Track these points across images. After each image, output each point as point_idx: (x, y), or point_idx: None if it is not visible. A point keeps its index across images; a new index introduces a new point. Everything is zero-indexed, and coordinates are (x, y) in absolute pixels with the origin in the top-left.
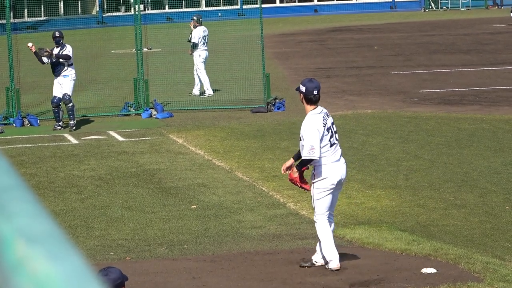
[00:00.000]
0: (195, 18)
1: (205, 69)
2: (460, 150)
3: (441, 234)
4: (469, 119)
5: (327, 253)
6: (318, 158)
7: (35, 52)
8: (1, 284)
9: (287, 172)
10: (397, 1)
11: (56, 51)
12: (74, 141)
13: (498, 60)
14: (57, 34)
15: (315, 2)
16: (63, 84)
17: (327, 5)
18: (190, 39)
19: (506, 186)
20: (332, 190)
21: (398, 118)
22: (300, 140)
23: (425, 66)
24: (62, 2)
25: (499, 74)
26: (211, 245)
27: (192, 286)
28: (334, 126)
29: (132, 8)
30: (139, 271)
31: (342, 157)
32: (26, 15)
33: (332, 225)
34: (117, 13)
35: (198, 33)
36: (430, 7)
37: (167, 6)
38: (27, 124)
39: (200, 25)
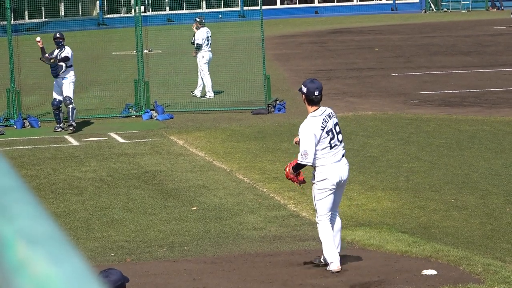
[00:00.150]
0: (197, 19)
1: (208, 71)
2: (461, 151)
3: (442, 236)
4: (470, 121)
5: (327, 254)
6: (311, 164)
7: (41, 48)
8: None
9: (286, 170)
10: (397, 3)
11: (56, 52)
12: (74, 142)
13: (498, 62)
14: (57, 35)
15: (316, 4)
16: (64, 87)
17: (327, 6)
18: (194, 41)
19: (506, 188)
20: (332, 191)
21: (399, 119)
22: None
23: (425, 68)
24: (62, 4)
25: (500, 75)
26: (211, 247)
27: None
28: (337, 127)
29: (133, 10)
30: (139, 273)
31: (344, 158)
32: (26, 16)
33: (338, 221)
34: (118, 15)
35: (201, 34)
36: (431, 8)
37: (167, 8)
38: (28, 125)
39: (203, 26)
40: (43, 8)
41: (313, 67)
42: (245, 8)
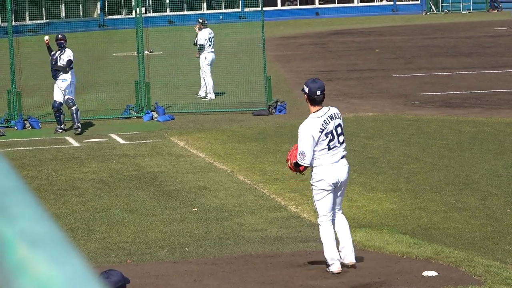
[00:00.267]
0: (200, 20)
1: (211, 72)
2: (462, 153)
3: (442, 237)
4: (471, 122)
5: (328, 256)
6: (308, 165)
7: (48, 46)
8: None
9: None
10: (398, 4)
11: (57, 54)
12: (75, 143)
13: (499, 63)
14: (60, 37)
15: (317, 5)
16: (64, 89)
17: (328, 8)
18: (196, 42)
19: (507, 189)
20: (329, 192)
21: (399, 121)
22: None
23: (426, 69)
24: (63, 5)
25: (501, 77)
26: (212, 248)
27: None
28: (339, 128)
29: (134, 11)
30: (140, 274)
31: (343, 159)
32: (27, 18)
33: (343, 221)
34: (119, 16)
35: (203, 35)
36: (432, 10)
37: (168, 9)
38: (29, 127)
39: (205, 27)
40: (44, 9)
41: (314, 68)
42: (246, 9)
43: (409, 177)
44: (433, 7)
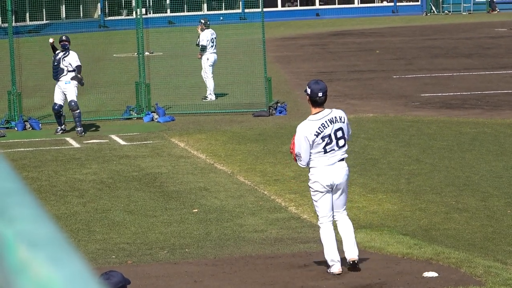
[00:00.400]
0: (202, 21)
1: (212, 73)
2: (462, 154)
3: (443, 238)
4: (471, 123)
5: (328, 257)
6: (304, 166)
7: (52, 46)
8: None
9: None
10: (399, 5)
11: (60, 55)
12: (75, 145)
13: (500, 64)
14: (63, 38)
15: (317, 6)
16: (67, 90)
17: (328, 9)
18: (198, 42)
19: (507, 190)
20: (324, 193)
21: (400, 122)
22: None
23: (426, 70)
24: (64, 6)
25: (501, 78)
26: (212, 249)
27: None
28: (340, 132)
29: (134, 12)
30: (140, 275)
31: (341, 162)
32: (28, 18)
33: (346, 223)
34: (119, 17)
35: (206, 36)
36: (432, 11)
37: (168, 10)
38: (29, 128)
39: (208, 28)
40: (44, 10)
41: (314, 69)
42: (246, 10)
43: (409, 178)
44: (433, 8)
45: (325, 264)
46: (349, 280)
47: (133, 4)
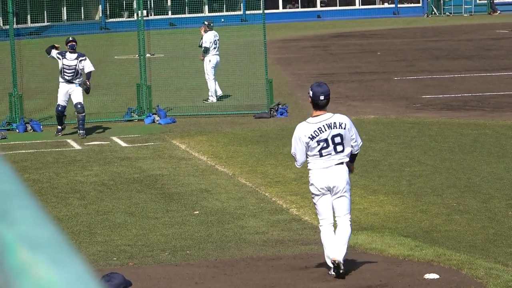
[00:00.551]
0: (206, 23)
1: (214, 75)
2: (463, 155)
3: (444, 240)
4: (472, 125)
5: (326, 258)
6: (299, 166)
7: (56, 47)
8: None
9: None
10: (400, 7)
11: (72, 57)
12: (77, 146)
13: (501, 66)
14: (71, 39)
15: (318, 8)
16: (74, 93)
17: (330, 10)
18: (201, 44)
19: (509, 192)
20: (321, 196)
21: (401, 123)
22: None
23: (428, 72)
24: (65, 8)
25: (502, 79)
26: (214, 251)
27: None
28: (338, 138)
29: (135, 14)
30: (141, 277)
31: (339, 165)
32: (29, 20)
33: (343, 227)
34: (120, 19)
35: (208, 38)
36: (433, 12)
37: (170, 12)
38: (30, 129)
39: (211, 30)
40: (45, 12)
41: (316, 71)
42: (247, 12)
43: (410, 179)
44: (434, 9)
45: (326, 266)
46: (350, 282)
47: (135, 6)
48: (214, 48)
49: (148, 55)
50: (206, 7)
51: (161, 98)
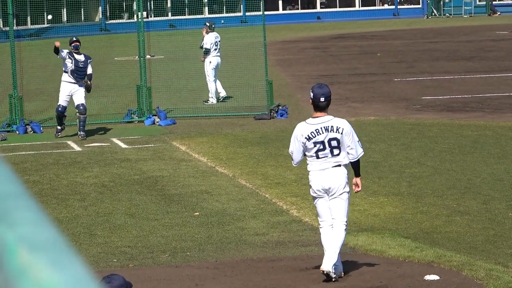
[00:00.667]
0: (207, 24)
1: (215, 76)
2: (463, 157)
3: (444, 241)
4: (472, 126)
5: None
6: (295, 165)
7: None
8: None
9: None
10: (400, 8)
11: (82, 58)
12: (77, 148)
13: (501, 67)
14: (74, 39)
15: (318, 9)
16: (77, 94)
17: (330, 12)
18: (202, 45)
19: (509, 193)
20: (318, 198)
21: (401, 125)
22: None
23: (428, 73)
24: (65, 9)
25: (502, 81)
26: (214, 252)
27: None
28: (334, 141)
29: (135, 15)
30: (142, 278)
31: (336, 168)
32: (29, 22)
33: (337, 230)
34: (120, 20)
35: (209, 39)
36: (433, 14)
37: (170, 13)
38: (30, 131)
39: (213, 31)
40: (45, 13)
41: (315, 72)
42: (247, 13)
43: (411, 181)
44: (434, 11)
45: None
46: (351, 283)
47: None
48: (215, 49)
49: (148, 56)
50: (206, 8)
51: (161, 100)
